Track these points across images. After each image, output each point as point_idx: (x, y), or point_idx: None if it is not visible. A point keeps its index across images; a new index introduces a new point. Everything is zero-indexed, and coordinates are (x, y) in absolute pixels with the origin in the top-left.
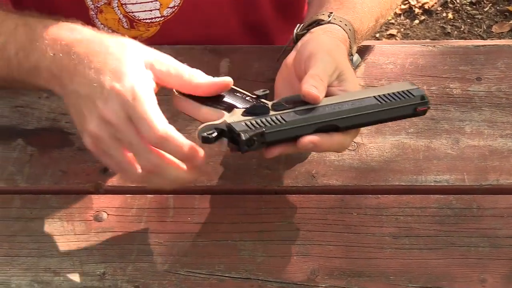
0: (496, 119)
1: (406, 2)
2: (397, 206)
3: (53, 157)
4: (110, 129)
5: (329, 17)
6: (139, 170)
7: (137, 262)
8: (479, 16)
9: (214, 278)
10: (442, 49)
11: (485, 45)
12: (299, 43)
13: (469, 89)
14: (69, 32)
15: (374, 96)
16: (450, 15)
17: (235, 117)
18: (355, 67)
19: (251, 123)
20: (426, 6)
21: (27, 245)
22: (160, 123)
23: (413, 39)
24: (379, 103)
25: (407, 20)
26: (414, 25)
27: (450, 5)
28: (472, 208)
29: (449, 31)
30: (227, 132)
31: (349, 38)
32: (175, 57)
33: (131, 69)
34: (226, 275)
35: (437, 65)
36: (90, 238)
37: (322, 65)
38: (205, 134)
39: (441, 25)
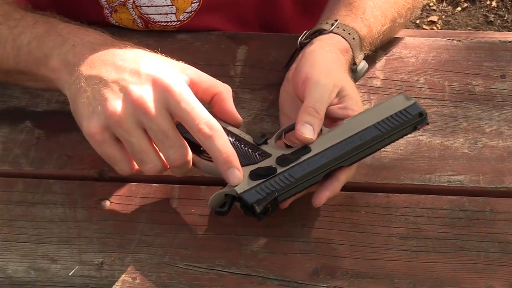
0: None
1: None
2: (408, 206)
3: (60, 141)
4: (140, 115)
5: (332, 26)
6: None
7: (137, 252)
8: None
9: (214, 273)
10: (467, 43)
11: None
12: (300, 55)
13: (492, 87)
14: (96, 33)
15: (374, 125)
16: (493, 3)
17: (243, 183)
18: (361, 74)
19: (261, 188)
20: None
21: (27, 230)
22: (207, 114)
23: (454, 27)
24: (380, 132)
25: (449, 7)
26: (456, 13)
27: None
28: (485, 211)
29: (492, 19)
30: (238, 199)
31: (351, 48)
32: (193, 42)
33: (167, 64)
34: (226, 270)
35: (461, 61)
36: (91, 226)
37: (318, 90)
38: (218, 208)
39: (484, 13)
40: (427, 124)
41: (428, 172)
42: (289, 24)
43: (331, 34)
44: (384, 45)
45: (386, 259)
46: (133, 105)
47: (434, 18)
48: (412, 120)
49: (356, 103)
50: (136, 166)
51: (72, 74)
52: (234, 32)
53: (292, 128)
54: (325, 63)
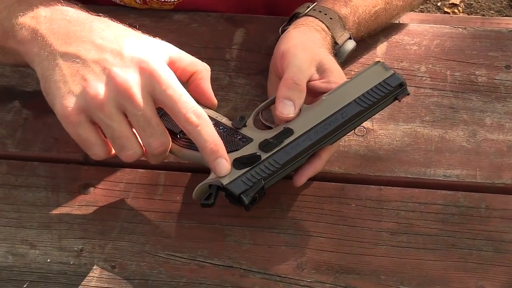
0: None
1: None
2: (400, 199)
3: (47, 123)
4: (123, 100)
5: (307, 8)
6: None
7: (118, 240)
8: None
9: (195, 264)
10: (473, 31)
11: None
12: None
13: (496, 78)
14: (69, 5)
15: (355, 101)
16: None
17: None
18: (346, 54)
19: (247, 177)
20: None
21: (8, 214)
22: (194, 102)
23: (476, 10)
24: (362, 108)
25: None
26: None
27: None
28: (480, 208)
29: None
30: (224, 189)
31: (328, 28)
32: (189, 24)
33: (147, 44)
34: (208, 261)
35: (465, 49)
36: (73, 211)
37: (296, 62)
38: (203, 201)
39: None
40: (408, 94)
41: (424, 165)
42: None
43: (305, 16)
44: (386, 31)
45: (374, 254)
46: (117, 89)
47: (456, 0)
48: (392, 92)
49: (339, 76)
50: (112, 152)
51: (43, 48)
52: (232, 14)
53: (269, 104)
54: (300, 38)
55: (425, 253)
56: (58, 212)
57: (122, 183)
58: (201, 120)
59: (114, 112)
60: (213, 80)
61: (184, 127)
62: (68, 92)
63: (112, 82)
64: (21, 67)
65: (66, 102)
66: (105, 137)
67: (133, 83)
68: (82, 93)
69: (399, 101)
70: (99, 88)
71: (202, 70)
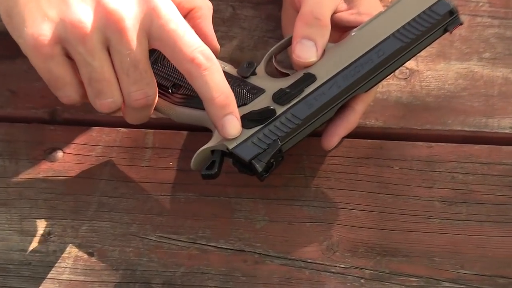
0: None
1: None
2: (456, 160)
3: (1, 71)
4: (111, 33)
5: None
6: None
7: (95, 220)
8: None
9: (195, 248)
10: None
11: None
12: None
13: None
14: None
15: (394, 35)
16: None
17: None
18: None
19: (258, 138)
20: None
21: None
22: (201, 42)
23: None
24: (403, 44)
25: None
26: None
27: None
28: None
29: None
30: (230, 155)
31: None
32: None
33: None
34: (212, 244)
35: None
36: (36, 183)
37: None
38: (205, 171)
39: None
40: (461, 24)
41: (485, 114)
42: None
43: None
44: None
45: (426, 231)
46: (106, 18)
47: None
48: (441, 21)
49: (372, 6)
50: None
51: None
52: None
53: (284, 46)
54: None
55: (490, 228)
56: (17, 185)
57: (99, 146)
58: (210, 63)
59: (98, 48)
60: (213, 12)
61: (188, 70)
62: (42, 17)
63: (101, 9)
64: None
65: (39, 29)
66: None
67: (126, 13)
68: (60, 19)
69: (450, 33)
70: (83, 15)
71: (202, 6)
